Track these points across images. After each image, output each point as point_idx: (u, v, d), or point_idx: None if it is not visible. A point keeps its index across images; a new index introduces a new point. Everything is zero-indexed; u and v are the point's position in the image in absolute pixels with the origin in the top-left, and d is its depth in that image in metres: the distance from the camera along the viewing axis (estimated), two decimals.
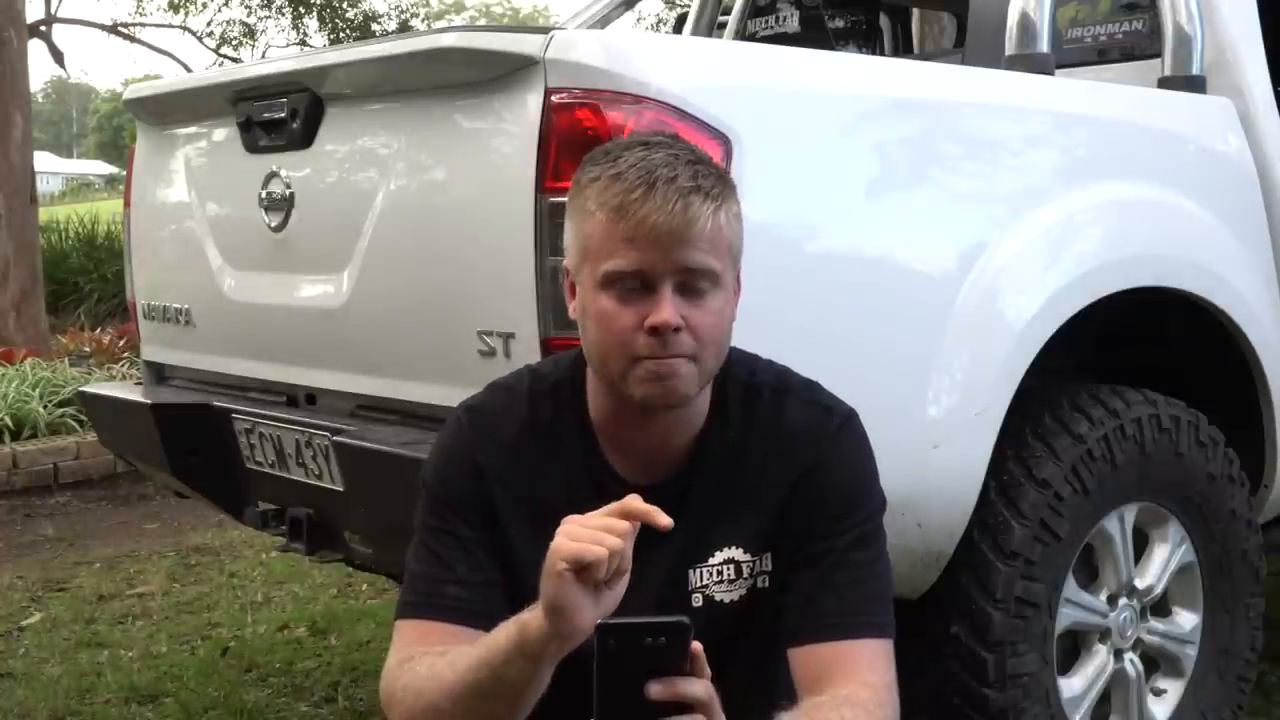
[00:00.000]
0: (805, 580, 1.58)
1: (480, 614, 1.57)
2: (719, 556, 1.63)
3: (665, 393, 1.53)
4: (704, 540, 1.63)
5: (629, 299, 1.51)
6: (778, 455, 1.62)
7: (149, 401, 2.94)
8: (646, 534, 1.63)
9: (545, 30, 2.15)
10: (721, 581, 1.63)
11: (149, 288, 3.15)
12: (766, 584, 1.64)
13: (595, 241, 1.52)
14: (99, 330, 9.06)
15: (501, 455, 1.63)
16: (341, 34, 20.13)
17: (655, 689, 1.28)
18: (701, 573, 1.63)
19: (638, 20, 18.93)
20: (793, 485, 1.61)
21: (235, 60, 18.96)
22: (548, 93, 2.08)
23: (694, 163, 1.53)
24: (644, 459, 1.63)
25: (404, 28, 21.16)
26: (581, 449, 1.64)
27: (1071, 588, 2.44)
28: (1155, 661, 2.65)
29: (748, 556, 1.63)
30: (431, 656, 1.51)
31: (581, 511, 1.61)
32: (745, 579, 1.64)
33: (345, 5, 20.57)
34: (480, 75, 2.20)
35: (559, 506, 1.61)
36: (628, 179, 1.50)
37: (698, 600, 1.63)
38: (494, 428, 1.65)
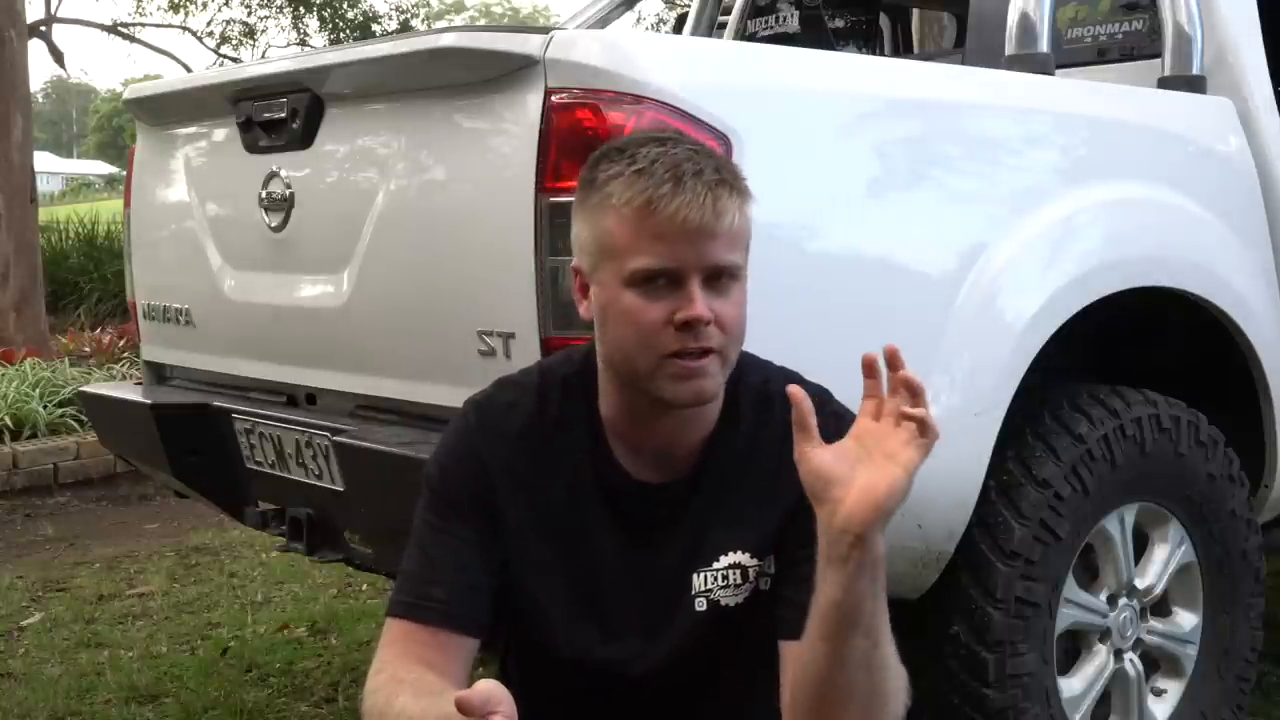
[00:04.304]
0: (806, 577, 1.58)
1: (461, 618, 1.58)
2: (724, 561, 1.63)
3: (696, 391, 1.53)
4: (709, 544, 1.63)
5: (656, 295, 1.51)
6: (789, 462, 1.61)
7: (149, 401, 2.94)
8: (650, 537, 1.64)
9: (545, 30, 2.15)
10: (727, 586, 1.63)
11: (149, 288, 3.15)
12: (768, 585, 1.63)
13: (620, 239, 1.51)
14: (99, 330, 9.04)
15: (507, 450, 1.62)
16: (342, 34, 20.14)
17: None
18: (706, 576, 1.63)
19: (638, 20, 18.94)
20: (803, 492, 1.60)
21: (235, 60, 18.96)
22: (548, 93, 2.08)
23: (712, 156, 1.55)
24: (652, 459, 1.63)
25: (404, 28, 21.16)
26: (589, 446, 1.63)
27: (1071, 588, 2.44)
28: (1155, 661, 2.65)
29: (753, 561, 1.63)
30: (391, 689, 1.50)
31: (585, 507, 1.62)
32: (750, 583, 1.63)
33: (345, 5, 20.57)
34: (480, 75, 2.20)
35: (563, 502, 1.62)
36: (654, 174, 1.49)
37: (701, 604, 1.63)
38: (500, 422, 1.64)
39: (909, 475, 1.37)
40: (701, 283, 1.50)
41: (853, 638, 1.42)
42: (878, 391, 1.41)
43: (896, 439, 1.38)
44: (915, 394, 1.38)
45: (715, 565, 1.62)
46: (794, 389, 1.40)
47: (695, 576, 1.63)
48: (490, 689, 1.23)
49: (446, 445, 1.67)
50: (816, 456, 1.39)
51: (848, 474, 1.38)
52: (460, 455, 1.64)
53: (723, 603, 1.63)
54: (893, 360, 1.39)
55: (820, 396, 1.64)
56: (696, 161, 1.51)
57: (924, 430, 1.37)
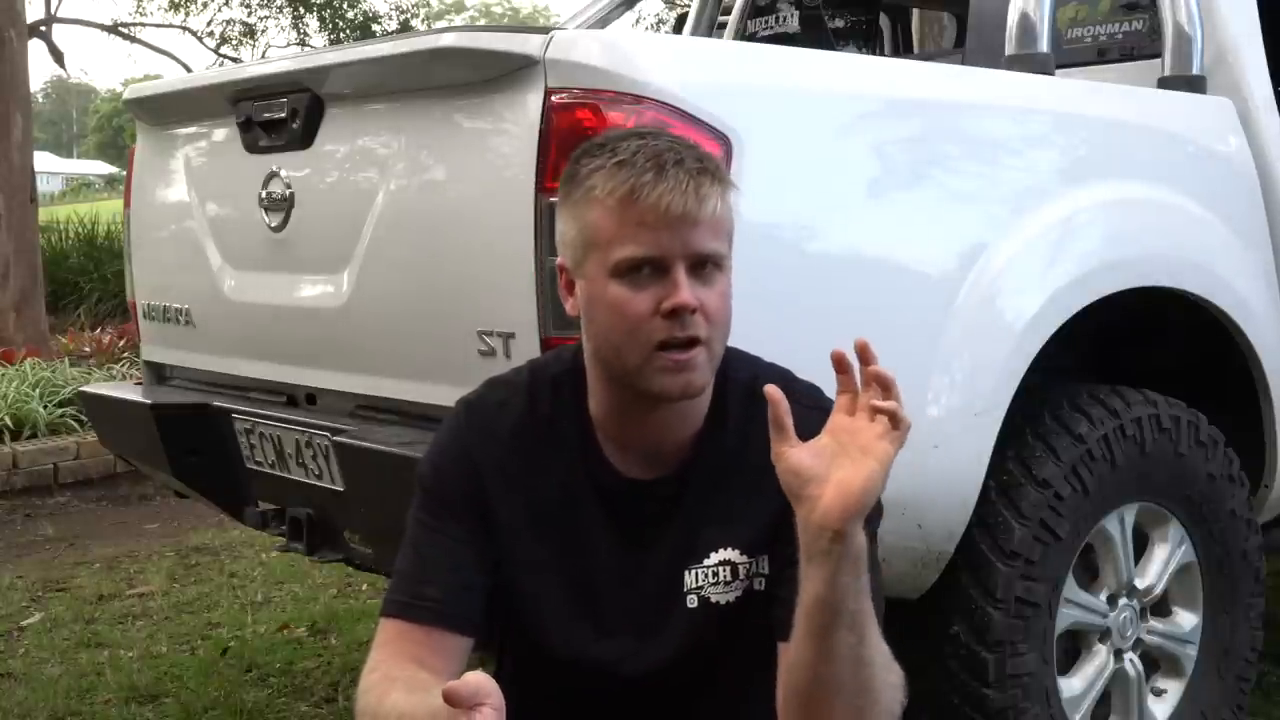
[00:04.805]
0: (797, 578, 1.58)
1: (454, 617, 1.58)
2: (715, 558, 1.63)
3: (685, 385, 1.53)
4: (700, 541, 1.63)
5: (641, 285, 1.51)
6: None
7: (149, 401, 2.94)
8: (642, 535, 1.64)
9: (545, 30, 2.16)
10: (717, 583, 1.63)
11: (149, 288, 3.15)
12: (762, 585, 1.63)
13: (604, 230, 1.52)
14: (99, 330, 9.04)
15: (499, 449, 1.63)
16: (342, 34, 20.14)
17: None
18: (697, 574, 1.63)
19: (638, 20, 18.93)
20: None
21: (235, 60, 18.96)
22: (548, 93, 2.09)
23: (694, 147, 1.56)
24: (641, 456, 1.63)
25: (404, 28, 21.16)
26: (580, 444, 1.63)
27: (1071, 588, 2.44)
28: (1155, 661, 2.65)
29: (744, 558, 1.63)
30: (384, 687, 1.50)
31: (578, 506, 1.62)
32: (741, 580, 1.63)
33: (345, 5, 20.58)
34: (480, 75, 2.20)
35: (556, 501, 1.62)
36: (636, 164, 1.50)
37: (693, 601, 1.63)
38: (491, 422, 1.64)
39: (884, 468, 1.39)
40: (686, 271, 1.51)
41: (837, 632, 1.43)
42: (851, 386, 1.42)
43: (870, 432, 1.39)
44: (886, 387, 1.39)
45: (706, 562, 1.62)
46: (770, 389, 1.41)
47: (687, 574, 1.63)
48: (479, 681, 1.24)
49: (439, 445, 1.67)
50: (793, 455, 1.40)
51: (824, 471, 1.39)
52: (453, 455, 1.65)
53: (714, 599, 1.63)
54: (863, 354, 1.40)
55: (812, 395, 1.64)
56: (677, 151, 1.52)
57: (895, 422, 1.38)
